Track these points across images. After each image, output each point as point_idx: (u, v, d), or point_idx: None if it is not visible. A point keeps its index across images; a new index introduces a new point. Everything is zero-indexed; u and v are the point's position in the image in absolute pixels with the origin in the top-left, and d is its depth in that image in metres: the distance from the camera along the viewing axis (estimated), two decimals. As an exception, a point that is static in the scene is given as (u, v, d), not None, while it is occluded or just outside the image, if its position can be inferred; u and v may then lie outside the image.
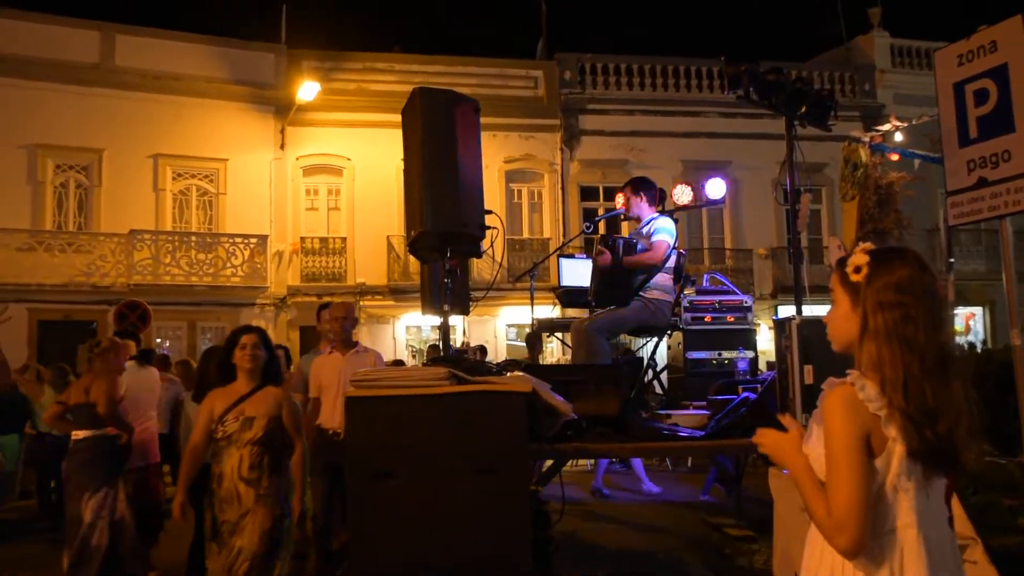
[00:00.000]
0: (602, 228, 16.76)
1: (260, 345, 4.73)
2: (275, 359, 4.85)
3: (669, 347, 6.92)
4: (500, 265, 18.61)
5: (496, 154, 20.21)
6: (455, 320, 18.50)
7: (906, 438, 1.97)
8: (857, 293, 2.09)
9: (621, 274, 5.66)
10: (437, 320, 4.63)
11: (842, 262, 2.17)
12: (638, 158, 21.26)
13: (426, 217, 4.21)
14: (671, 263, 5.89)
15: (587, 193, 21.51)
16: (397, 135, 4.76)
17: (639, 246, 5.77)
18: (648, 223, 5.95)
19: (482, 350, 13.57)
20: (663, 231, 5.81)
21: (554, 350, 18.04)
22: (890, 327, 2.01)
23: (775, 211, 21.26)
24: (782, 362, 4.52)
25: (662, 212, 6.12)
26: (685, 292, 6.58)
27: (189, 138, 19.13)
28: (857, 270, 2.11)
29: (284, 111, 19.71)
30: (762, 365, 8.77)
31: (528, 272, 7.44)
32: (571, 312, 10.79)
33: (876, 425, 1.98)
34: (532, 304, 7.45)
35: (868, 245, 2.16)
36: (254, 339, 4.74)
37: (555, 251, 8.72)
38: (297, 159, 20.08)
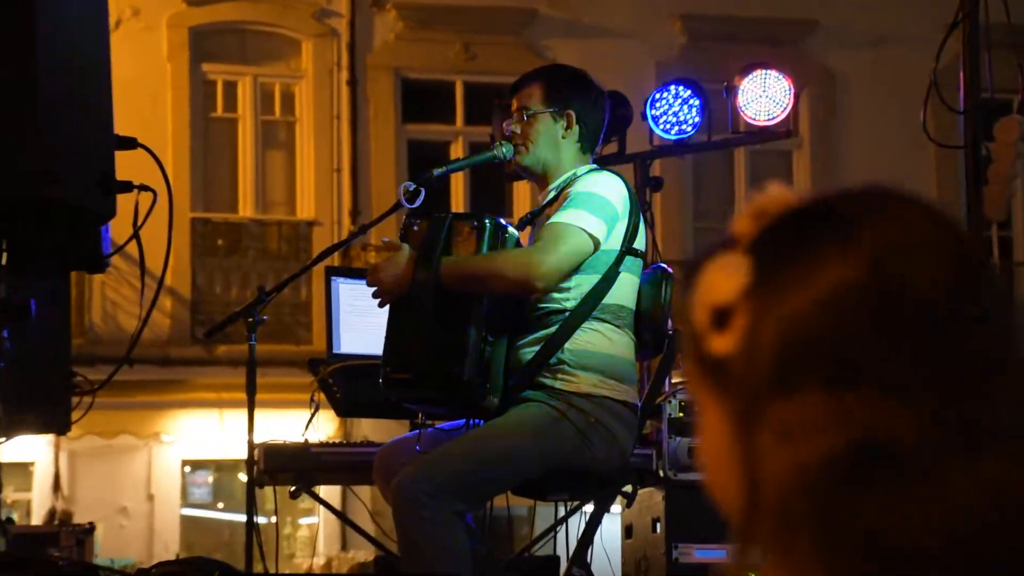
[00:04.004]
0: (457, 196, 17.01)
1: None
2: None
3: (630, 532, 7.12)
4: (162, 288, 18.54)
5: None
6: (30, 451, 18.10)
7: None
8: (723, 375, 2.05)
9: (457, 307, 6.21)
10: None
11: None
12: (561, 8, 22.07)
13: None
14: (623, 298, 6.44)
15: (418, 103, 22.37)
16: None
17: (508, 229, 6.30)
18: (569, 180, 6.51)
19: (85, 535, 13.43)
20: (590, 203, 6.28)
21: (318, 528, 18.66)
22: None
23: (933, 159, 21.84)
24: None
25: (604, 163, 6.67)
26: (674, 380, 7.00)
27: None
28: (721, 319, 2.03)
29: None
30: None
31: (246, 312, 7.64)
32: (363, 427, 11.12)
33: None
34: (252, 409, 7.48)
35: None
36: None
37: (322, 256, 8.67)
38: None
